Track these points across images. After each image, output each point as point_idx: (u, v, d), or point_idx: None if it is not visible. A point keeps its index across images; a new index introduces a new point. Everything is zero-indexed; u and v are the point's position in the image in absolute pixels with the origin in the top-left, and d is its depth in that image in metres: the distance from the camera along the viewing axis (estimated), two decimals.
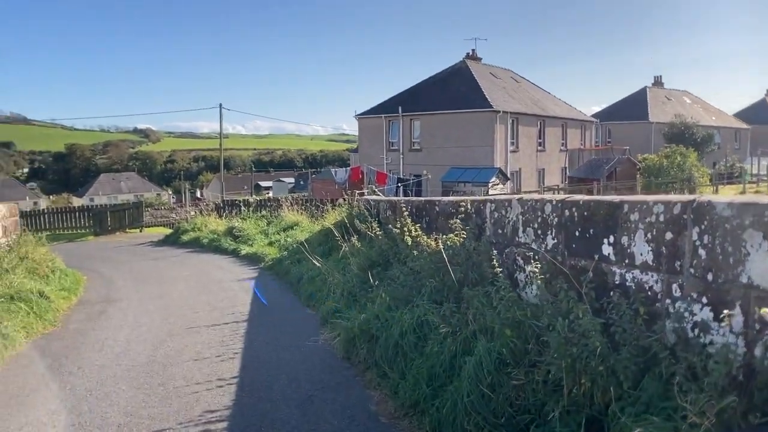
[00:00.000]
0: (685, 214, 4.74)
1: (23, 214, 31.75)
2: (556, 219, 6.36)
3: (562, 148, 56.74)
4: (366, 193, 21.63)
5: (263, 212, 28.58)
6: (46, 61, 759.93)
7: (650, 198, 5.20)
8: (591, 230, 5.80)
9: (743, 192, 41.48)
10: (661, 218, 4.96)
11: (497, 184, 38.46)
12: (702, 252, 4.60)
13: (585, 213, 5.90)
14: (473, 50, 57.67)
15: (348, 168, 49.16)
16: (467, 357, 6.34)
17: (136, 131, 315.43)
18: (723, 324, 4.27)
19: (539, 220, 6.65)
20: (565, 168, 55.77)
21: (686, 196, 4.90)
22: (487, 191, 35.69)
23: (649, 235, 5.08)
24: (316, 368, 8.54)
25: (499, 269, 6.82)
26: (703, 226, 4.59)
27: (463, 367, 6.27)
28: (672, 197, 5.02)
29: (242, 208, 30.93)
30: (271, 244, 21.73)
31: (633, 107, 73.90)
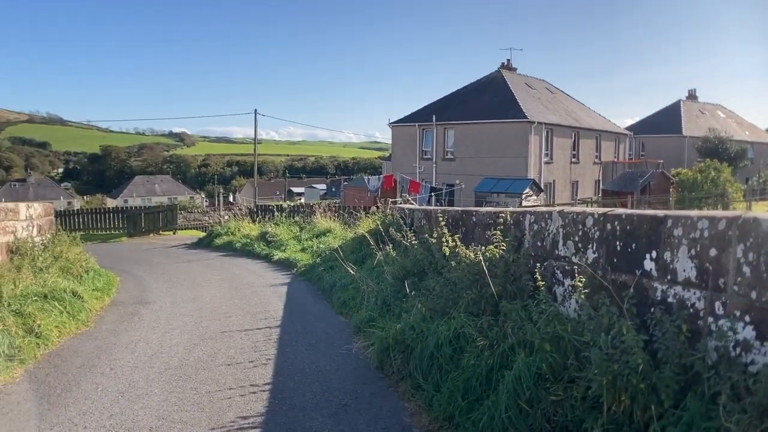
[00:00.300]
0: (730, 231, 4.68)
1: (57, 214, 32.12)
2: (597, 233, 6.30)
3: (596, 160, 56.33)
4: (399, 202, 21.62)
5: (296, 218, 28.71)
6: (84, 64, 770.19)
7: (694, 213, 5.14)
8: (633, 245, 5.74)
9: None
10: (705, 234, 4.90)
11: (531, 196, 38.25)
12: (746, 269, 4.54)
13: (627, 227, 5.85)
14: (508, 60, 57.66)
15: (381, 176, 49.29)
16: (505, 371, 6.33)
17: (171, 135, 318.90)
18: (766, 344, 4.22)
19: (580, 233, 6.60)
20: (599, 181, 55.37)
21: (731, 212, 4.83)
22: (521, 202, 35.50)
23: (692, 251, 5.02)
24: (349, 377, 8.55)
25: (541, 282, 6.79)
26: (748, 243, 4.53)
27: (501, 381, 6.26)
28: (717, 213, 4.95)
29: (275, 213, 31.04)
30: (303, 250, 21.77)
31: (667, 120, 73.28)
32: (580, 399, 5.40)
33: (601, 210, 6.44)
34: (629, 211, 6.13)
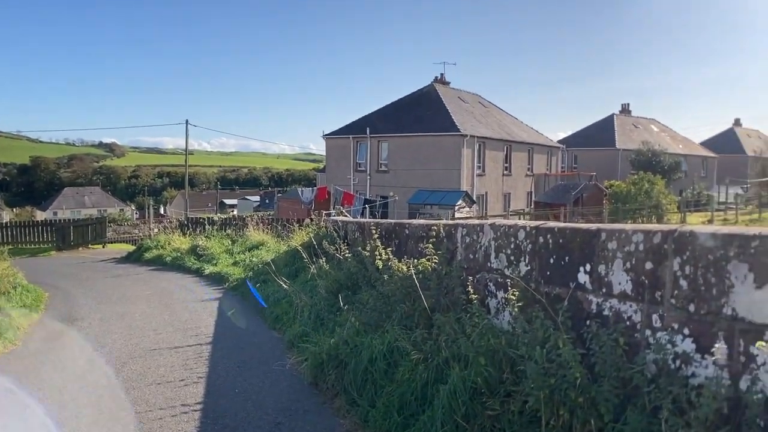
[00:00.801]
0: (666, 244, 4.62)
1: None
2: (530, 245, 6.21)
3: (528, 172, 56.94)
4: (333, 214, 21.44)
5: (228, 231, 28.05)
6: (14, 72, 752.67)
7: (629, 227, 5.08)
8: (566, 258, 5.66)
9: (711, 220, 41.83)
10: (641, 247, 4.83)
11: (463, 207, 38.44)
12: (683, 283, 4.48)
13: (560, 240, 5.77)
14: (442, 74, 58.10)
15: (314, 188, 49.09)
16: (440, 385, 6.15)
17: (101, 145, 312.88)
18: (710, 356, 4.16)
19: (512, 246, 6.51)
20: (531, 192, 55.91)
21: (667, 226, 4.79)
22: (453, 214, 35.64)
23: (627, 264, 4.95)
24: (283, 394, 8.25)
25: (474, 295, 6.66)
26: (684, 257, 4.47)
27: (436, 396, 6.08)
28: (652, 226, 4.90)
29: (206, 226, 30.46)
30: (235, 263, 21.28)
31: (600, 134, 74.30)
32: (517, 413, 5.26)
33: (533, 223, 6.36)
34: (561, 224, 6.06)
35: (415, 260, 8.11)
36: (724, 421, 3.98)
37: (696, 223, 40.87)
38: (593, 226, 5.48)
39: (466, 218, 31.05)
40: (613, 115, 78.43)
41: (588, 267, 5.37)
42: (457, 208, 37.77)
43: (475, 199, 44.68)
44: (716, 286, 4.25)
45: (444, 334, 6.72)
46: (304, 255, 13.11)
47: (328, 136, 54.96)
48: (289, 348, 10.35)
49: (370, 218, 23.72)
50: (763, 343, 3.86)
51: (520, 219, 40.91)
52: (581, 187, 46.09)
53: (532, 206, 50.20)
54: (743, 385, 4.00)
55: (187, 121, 57.76)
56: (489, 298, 6.90)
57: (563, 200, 43.25)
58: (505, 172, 53.50)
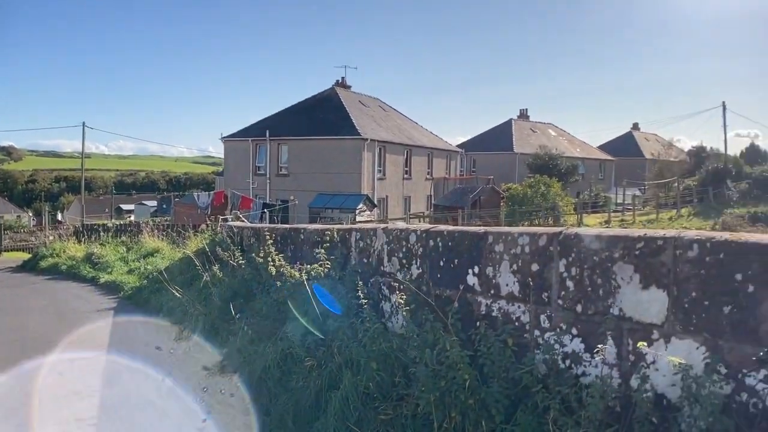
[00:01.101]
0: (552, 246, 4.59)
1: None
2: (420, 249, 6.14)
3: (428, 176, 57.22)
4: (230, 219, 21.09)
5: (123, 237, 27.17)
6: None
7: (515, 230, 5.05)
8: (456, 260, 5.59)
9: (608, 221, 42.89)
10: (527, 249, 4.80)
11: (364, 211, 38.44)
12: (570, 284, 4.46)
13: (449, 243, 5.70)
14: (343, 78, 57.38)
15: (211, 192, 48.19)
16: (334, 391, 6.01)
17: None
18: (596, 356, 4.16)
19: (404, 249, 6.43)
20: (431, 196, 56.27)
21: (552, 228, 4.77)
22: (354, 218, 35.61)
23: (514, 266, 4.91)
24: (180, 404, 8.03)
25: (364, 300, 6.55)
26: (570, 258, 4.45)
27: (330, 402, 5.95)
28: (538, 229, 4.88)
29: (101, 233, 29.61)
30: (131, 271, 20.61)
31: (498, 138, 75.21)
32: (410, 417, 5.16)
33: (424, 226, 6.30)
34: (451, 227, 6.01)
35: (308, 266, 7.97)
36: (616, 419, 3.96)
37: (593, 224, 41.92)
38: (481, 228, 5.44)
39: (367, 222, 31.06)
40: (511, 120, 79.55)
41: (476, 269, 5.32)
42: (357, 211, 37.75)
43: (375, 202, 44.75)
44: (603, 287, 4.25)
45: (337, 339, 6.61)
46: (197, 262, 12.80)
47: (226, 139, 53.35)
48: (185, 359, 10.08)
49: (269, 223, 23.47)
50: (644, 343, 3.87)
51: (420, 222, 41.24)
52: (479, 190, 46.69)
53: (432, 209, 50.59)
54: (634, 383, 3.99)
55: (84, 123, 56.21)
56: (383, 302, 6.80)
57: (461, 203, 43.71)
58: (405, 175, 53.61)
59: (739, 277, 3.58)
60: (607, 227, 37.27)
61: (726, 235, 3.77)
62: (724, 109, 61.76)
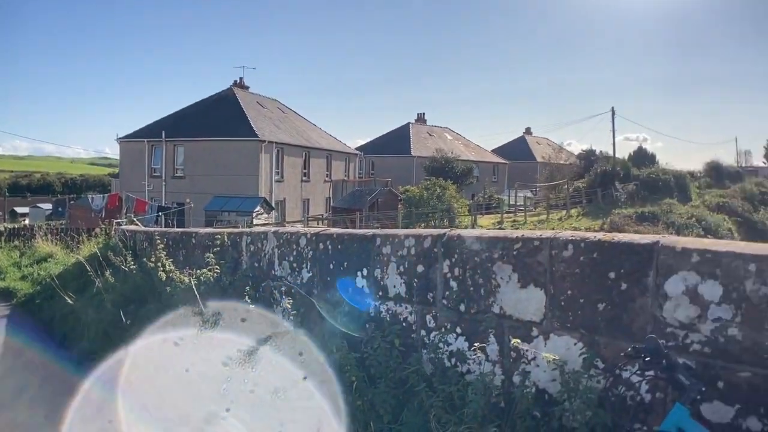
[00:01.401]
0: (436, 248, 4.61)
1: None
2: (311, 252, 6.09)
3: (326, 179, 56.92)
4: (124, 223, 20.60)
5: (16, 242, 26.13)
6: None
7: (402, 232, 5.07)
8: (345, 263, 5.56)
9: (501, 222, 43.72)
10: (413, 251, 4.81)
11: (262, 214, 38.01)
12: (453, 284, 4.49)
13: (339, 246, 5.68)
14: (241, 78, 55.87)
15: (105, 195, 46.88)
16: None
17: None
18: (477, 354, 4.22)
19: (294, 253, 6.36)
20: (330, 198, 56.06)
21: (437, 231, 4.81)
22: (252, 221, 35.20)
23: (401, 268, 4.91)
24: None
25: (252, 306, 6.48)
26: (453, 259, 4.49)
27: None
28: (423, 231, 4.91)
29: None
30: (24, 277, 19.78)
31: (396, 141, 75.45)
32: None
33: (314, 230, 6.28)
34: (340, 230, 6.00)
35: (198, 271, 7.84)
36: (499, 414, 3.99)
37: (487, 225, 42.71)
38: (369, 231, 5.45)
39: (264, 225, 30.78)
40: (409, 123, 79.78)
41: (365, 271, 5.31)
42: (255, 214, 37.30)
43: (273, 205, 44.32)
44: (484, 286, 4.29)
45: None
46: (89, 268, 12.45)
47: (122, 140, 51.19)
48: (78, 367, 9.78)
49: (164, 227, 23.02)
50: (518, 341, 3.95)
51: (318, 224, 41.14)
52: (377, 192, 46.85)
53: (330, 212, 50.53)
54: (516, 379, 4.05)
55: None
56: (275, 306, 6.75)
57: (359, 205, 43.77)
58: (303, 178, 53.23)
59: (612, 275, 3.67)
60: (499, 228, 38.16)
61: (599, 236, 3.87)
62: (613, 114, 64.11)
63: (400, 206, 44.79)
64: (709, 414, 3.25)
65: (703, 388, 3.02)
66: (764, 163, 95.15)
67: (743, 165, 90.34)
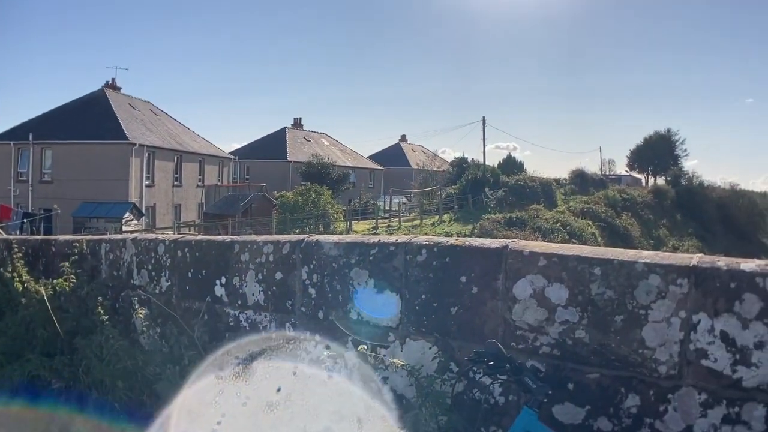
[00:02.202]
0: (294, 254, 4.59)
1: None
2: (169, 260, 5.95)
3: (199, 183, 56.01)
4: None
5: None
6: None
7: (260, 238, 5.02)
8: (204, 271, 5.45)
9: (376, 227, 44.26)
10: (271, 258, 4.76)
11: (131, 220, 37.21)
12: (312, 291, 4.47)
13: (197, 254, 5.56)
14: (113, 79, 54.28)
15: None
16: (83, 415, 5.81)
17: None
18: (336, 361, 4.25)
19: (153, 261, 6.20)
20: (202, 203, 55.20)
21: (296, 237, 4.78)
22: (121, 227, 34.39)
23: (260, 275, 4.84)
24: None
25: (105, 316, 6.26)
26: (312, 265, 4.49)
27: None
28: (282, 237, 4.87)
29: None
30: None
31: (272, 146, 75.06)
32: None
33: (173, 237, 6.13)
34: (199, 237, 5.89)
35: (55, 281, 7.58)
36: None
37: (362, 230, 43.08)
38: (228, 238, 5.38)
39: (133, 232, 30.09)
40: (285, 128, 79.61)
41: (224, 279, 5.22)
42: (124, 221, 36.49)
43: (144, 211, 43.46)
44: (341, 292, 4.29)
45: (86, 359, 6.33)
46: None
47: None
48: None
49: (30, 234, 22.20)
50: (365, 347, 3.98)
51: (189, 230, 40.49)
52: (250, 197, 46.64)
53: (202, 217, 49.92)
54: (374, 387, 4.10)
55: None
56: (134, 317, 6.58)
57: (232, 211, 43.43)
58: (175, 182, 52.22)
59: (464, 279, 3.73)
60: (374, 233, 38.47)
61: (452, 240, 3.93)
62: (484, 123, 66.78)
63: (274, 212, 44.67)
64: (561, 416, 3.34)
65: (550, 391, 3.11)
66: (626, 171, 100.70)
67: (607, 173, 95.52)
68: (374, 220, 48.31)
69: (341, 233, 36.98)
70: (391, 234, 30.83)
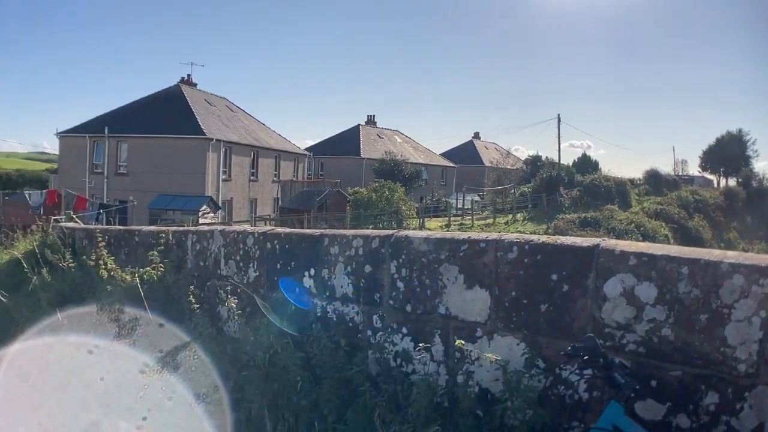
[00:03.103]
0: (384, 249, 4.72)
1: None
2: (258, 251, 6.15)
3: (275, 179, 56.45)
4: (63, 220, 20.34)
5: None
6: None
7: (350, 232, 5.16)
8: (293, 263, 5.63)
9: (448, 225, 44.11)
10: (360, 251, 4.91)
11: (208, 213, 37.71)
12: (401, 284, 4.60)
13: (287, 246, 5.74)
14: (189, 75, 55.15)
15: (44, 191, 46.02)
16: (166, 401, 6.02)
17: None
18: (422, 354, 4.35)
19: (241, 252, 6.42)
20: (278, 198, 55.73)
21: (385, 231, 4.92)
22: (197, 220, 34.90)
23: (349, 268, 5.01)
24: None
25: (196, 305, 6.51)
26: (401, 260, 4.60)
27: None
28: (371, 231, 5.02)
29: None
30: None
31: (346, 143, 75.36)
32: (245, 421, 5.19)
33: (262, 229, 6.33)
34: (288, 230, 6.06)
35: (141, 269, 7.83)
36: (443, 414, 4.10)
37: (434, 227, 42.95)
38: (317, 231, 5.55)
39: (210, 224, 30.60)
40: (359, 125, 79.84)
41: (312, 271, 5.40)
42: (201, 213, 36.96)
43: (220, 204, 44.03)
44: (430, 287, 4.41)
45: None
46: (25, 265, 12.32)
47: (62, 134, 50.16)
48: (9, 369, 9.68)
49: (105, 225, 22.76)
50: (462, 342, 4.09)
51: (265, 224, 40.94)
52: (325, 193, 46.88)
53: (278, 212, 50.32)
54: (460, 379, 4.16)
55: None
56: (219, 306, 6.78)
57: (308, 206, 43.73)
58: (251, 177, 52.77)
59: (554, 277, 3.83)
60: (447, 230, 38.38)
61: (543, 238, 4.03)
62: (559, 121, 65.28)
63: (348, 208, 44.86)
64: (643, 412, 3.42)
65: (637, 387, 3.18)
66: (699, 172, 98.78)
67: (680, 174, 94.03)
68: (446, 218, 48.09)
69: (414, 230, 36.88)
70: (463, 232, 30.69)
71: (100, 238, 9.62)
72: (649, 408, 3.43)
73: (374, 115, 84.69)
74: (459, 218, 50.33)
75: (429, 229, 39.69)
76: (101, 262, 8.76)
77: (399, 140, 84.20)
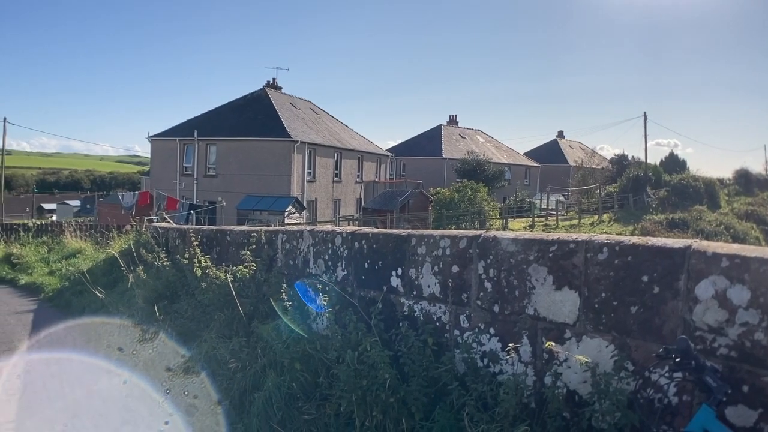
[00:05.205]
0: (471, 249, 4.74)
1: None
2: (346, 251, 6.25)
3: (357, 179, 57.06)
4: (155, 220, 20.85)
5: (44, 238, 26.44)
6: None
7: (437, 233, 5.20)
8: (380, 262, 5.71)
9: (532, 225, 43.67)
10: (448, 252, 4.94)
11: (293, 213, 38.20)
12: (488, 285, 4.62)
13: (374, 245, 5.82)
14: (274, 79, 56.39)
15: (136, 192, 47.24)
16: (257, 393, 6.13)
17: None
18: (510, 354, 4.34)
19: (330, 251, 6.53)
20: (361, 199, 56.17)
21: (472, 231, 4.94)
22: (283, 220, 35.38)
23: (436, 268, 5.05)
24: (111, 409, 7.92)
25: (288, 302, 6.63)
26: (488, 260, 4.61)
27: (253, 404, 6.05)
28: (459, 232, 5.05)
29: (21, 232, 28.90)
30: (51, 273, 20.09)
31: (428, 143, 75.58)
32: (333, 416, 5.23)
33: (350, 229, 6.42)
34: (376, 230, 6.14)
35: (234, 267, 7.99)
36: (530, 414, 4.12)
37: (518, 228, 42.61)
38: (404, 231, 5.59)
39: (296, 224, 30.97)
40: (440, 125, 79.86)
41: (400, 271, 5.46)
42: (287, 214, 37.47)
43: (305, 205, 44.55)
44: (518, 288, 4.41)
45: (262, 341, 6.67)
46: (121, 263, 12.67)
47: (154, 138, 51.90)
48: (108, 361, 9.95)
49: (195, 225, 23.26)
50: (552, 343, 4.06)
51: (349, 225, 41.26)
52: (408, 194, 46.93)
53: (361, 212, 50.65)
54: (547, 380, 4.16)
55: (5, 119, 54.72)
56: (308, 304, 6.90)
57: (390, 207, 43.87)
58: (335, 178, 53.47)
59: (645, 278, 3.78)
60: (531, 231, 37.99)
61: (634, 239, 3.98)
62: (645, 119, 63.74)
63: (430, 208, 44.81)
64: (733, 417, 3.36)
65: (729, 391, 3.12)
66: None
67: None
68: (530, 219, 47.61)
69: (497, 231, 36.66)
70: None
71: (194, 238, 9.86)
72: (740, 414, 3.36)
73: (456, 115, 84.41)
74: (543, 219, 49.74)
75: (513, 230, 39.37)
76: (195, 260, 8.97)
77: (481, 140, 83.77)
